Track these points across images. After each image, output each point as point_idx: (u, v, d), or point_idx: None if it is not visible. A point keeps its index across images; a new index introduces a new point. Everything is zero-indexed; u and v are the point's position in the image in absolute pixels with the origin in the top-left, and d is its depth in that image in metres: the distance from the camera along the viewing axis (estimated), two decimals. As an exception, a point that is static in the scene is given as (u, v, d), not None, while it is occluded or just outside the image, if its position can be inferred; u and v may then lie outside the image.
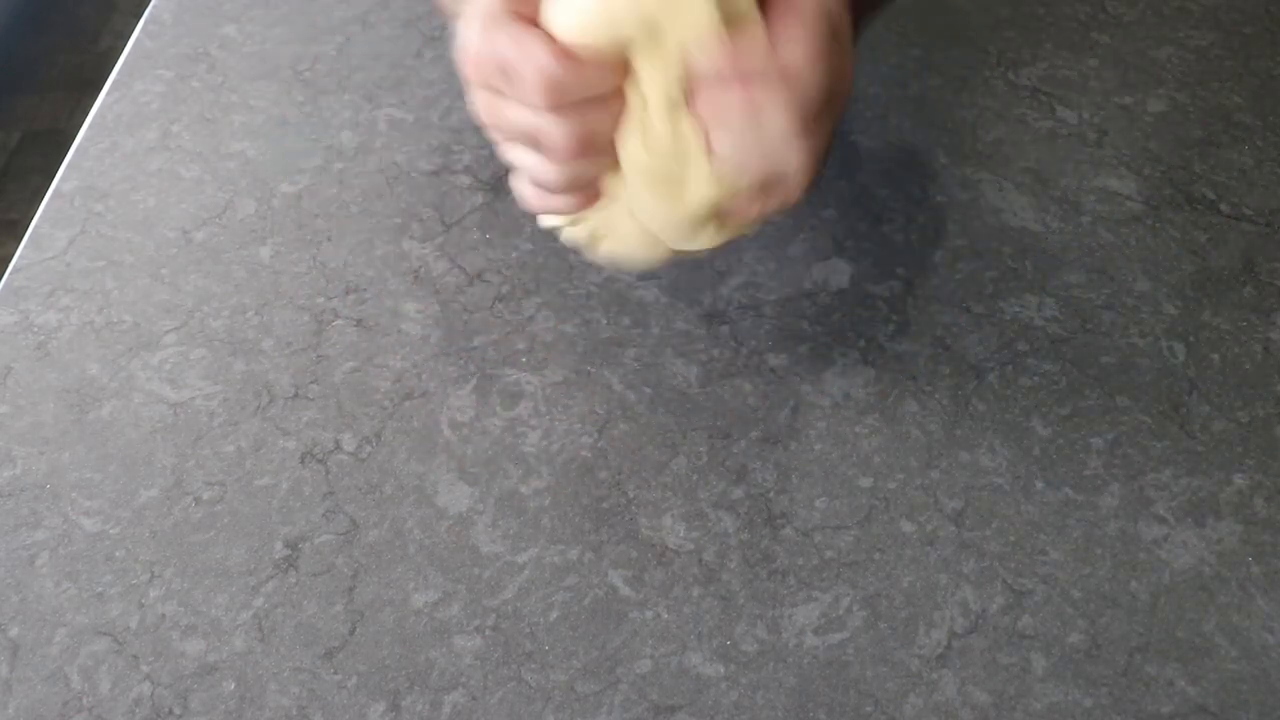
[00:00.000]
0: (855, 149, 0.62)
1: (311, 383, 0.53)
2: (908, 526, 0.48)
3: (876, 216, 0.59)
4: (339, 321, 0.55)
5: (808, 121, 0.37)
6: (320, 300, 0.56)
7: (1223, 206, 0.59)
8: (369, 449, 0.50)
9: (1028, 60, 0.67)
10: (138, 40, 0.69)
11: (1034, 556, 0.47)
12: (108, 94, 0.66)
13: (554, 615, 0.45)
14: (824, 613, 0.45)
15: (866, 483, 0.49)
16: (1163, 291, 0.56)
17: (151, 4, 0.71)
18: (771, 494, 0.49)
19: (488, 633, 0.45)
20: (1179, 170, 0.61)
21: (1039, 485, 0.49)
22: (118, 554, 0.47)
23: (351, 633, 0.45)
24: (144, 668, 0.44)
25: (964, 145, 0.62)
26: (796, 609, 0.46)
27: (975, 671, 0.44)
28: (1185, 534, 0.47)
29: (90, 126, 0.64)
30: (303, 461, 0.50)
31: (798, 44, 0.36)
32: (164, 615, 0.46)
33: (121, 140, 0.63)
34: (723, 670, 0.44)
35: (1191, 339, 0.54)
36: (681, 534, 0.48)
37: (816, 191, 0.60)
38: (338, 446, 0.50)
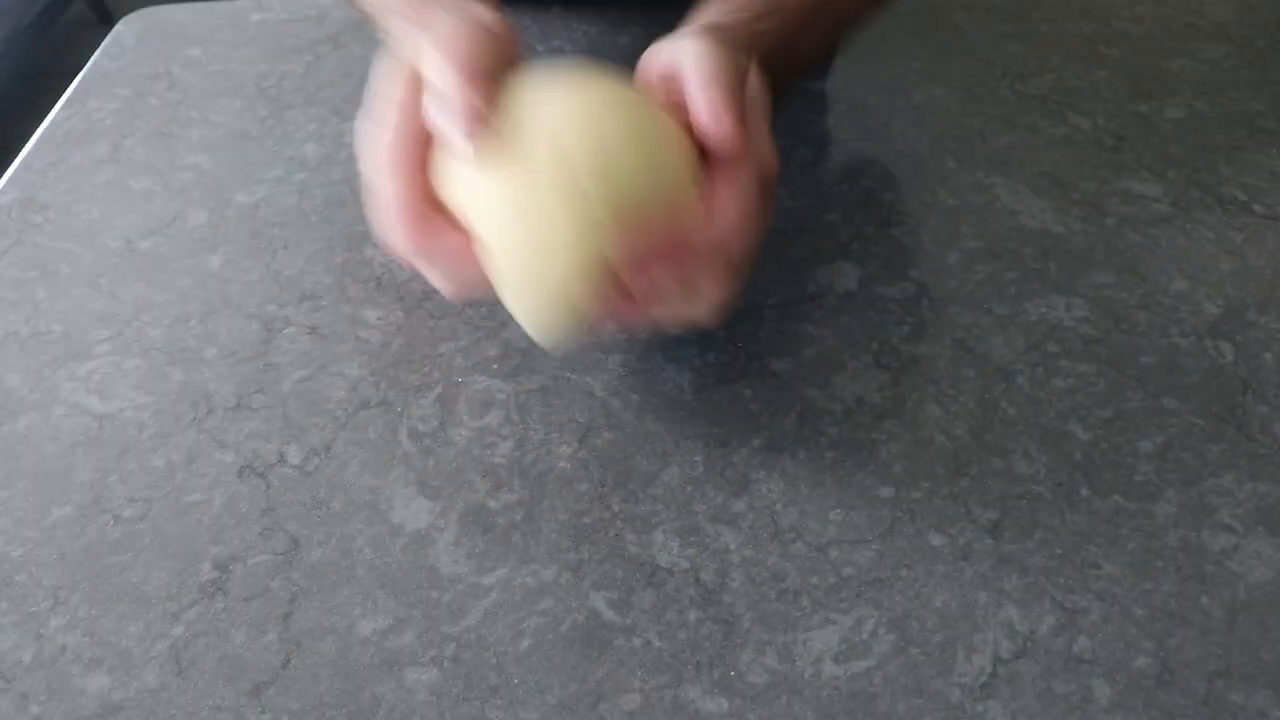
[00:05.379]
0: (857, 155, 0.58)
1: (256, 392, 0.47)
2: (937, 539, 0.41)
3: (884, 220, 0.54)
4: (290, 329, 0.49)
5: (735, 274, 0.40)
6: (271, 308, 0.50)
7: (1256, 207, 0.55)
8: (316, 461, 0.44)
9: (1034, 72, 0.63)
10: (96, 62, 0.65)
11: (1085, 571, 0.40)
12: (59, 111, 0.62)
13: (525, 644, 0.39)
14: (845, 637, 0.39)
15: (887, 492, 0.43)
16: (1201, 291, 0.50)
17: (114, 30, 0.68)
18: (778, 506, 0.42)
19: (446, 664, 0.38)
20: (1205, 173, 0.57)
21: (1084, 493, 0.43)
22: (18, 578, 0.41)
23: (285, 665, 0.38)
24: (33, 708, 0.37)
25: (974, 150, 0.58)
26: (812, 633, 0.39)
27: (1027, 702, 0.37)
28: (1257, 543, 0.41)
29: (38, 141, 0.60)
30: (240, 475, 0.44)
31: (731, 214, 0.39)
32: (64, 647, 0.38)
33: (69, 154, 0.59)
34: (726, 705, 0.37)
35: (1239, 338, 0.48)
36: (675, 551, 0.41)
37: (817, 197, 0.56)
38: (281, 459, 0.44)
